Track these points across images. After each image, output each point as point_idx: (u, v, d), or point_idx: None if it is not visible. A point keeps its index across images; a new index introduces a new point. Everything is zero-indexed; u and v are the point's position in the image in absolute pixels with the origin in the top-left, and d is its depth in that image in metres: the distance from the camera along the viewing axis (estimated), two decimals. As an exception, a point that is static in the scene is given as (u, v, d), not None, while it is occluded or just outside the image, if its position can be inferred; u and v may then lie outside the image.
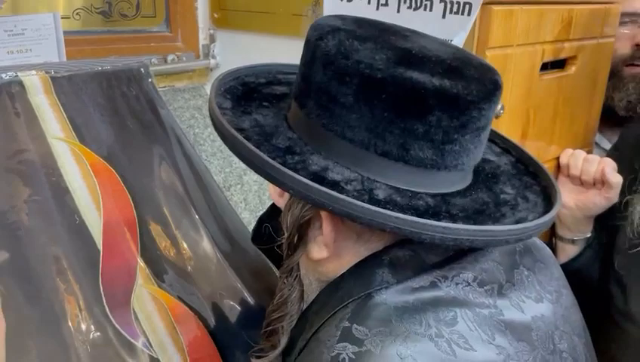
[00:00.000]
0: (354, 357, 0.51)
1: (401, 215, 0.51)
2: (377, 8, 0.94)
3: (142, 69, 1.18)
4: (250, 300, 1.02)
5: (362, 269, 0.59)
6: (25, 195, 0.93)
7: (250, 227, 1.14)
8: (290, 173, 0.53)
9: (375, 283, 0.56)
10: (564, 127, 1.08)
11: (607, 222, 1.01)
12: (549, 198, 0.63)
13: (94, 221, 0.97)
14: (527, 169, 0.70)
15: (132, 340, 0.88)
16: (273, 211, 0.89)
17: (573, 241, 1.03)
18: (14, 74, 1.01)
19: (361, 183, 0.57)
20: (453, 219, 0.55)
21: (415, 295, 0.55)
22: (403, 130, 0.55)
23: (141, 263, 0.96)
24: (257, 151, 0.55)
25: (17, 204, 0.92)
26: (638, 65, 1.21)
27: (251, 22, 1.24)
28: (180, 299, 0.96)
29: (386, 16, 0.91)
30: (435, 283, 0.56)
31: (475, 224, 0.55)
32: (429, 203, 0.57)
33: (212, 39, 1.33)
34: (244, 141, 0.56)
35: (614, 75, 1.20)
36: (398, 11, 0.91)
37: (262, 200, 1.20)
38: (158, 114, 1.16)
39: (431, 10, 0.87)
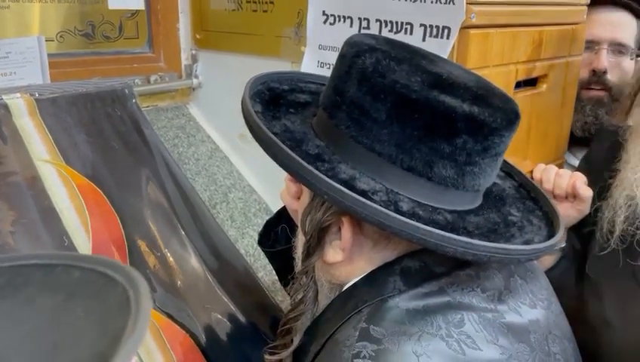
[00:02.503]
0: (374, 354, 0.55)
1: (428, 227, 0.54)
2: (359, 31, 0.98)
3: (126, 90, 1.19)
4: (239, 315, 1.03)
5: (375, 278, 0.62)
6: (12, 218, 0.93)
7: (238, 244, 1.16)
8: (327, 179, 0.56)
9: (388, 291, 0.60)
10: (538, 141, 1.13)
11: (581, 230, 1.06)
12: (551, 223, 0.68)
13: (83, 242, 0.97)
14: (528, 194, 0.74)
15: (125, 360, 0.88)
16: (279, 216, 0.91)
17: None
18: (-1, 97, 1.01)
19: (386, 194, 0.60)
20: (470, 235, 0.59)
21: (425, 300, 0.59)
22: (430, 149, 0.58)
23: (131, 283, 0.97)
24: (295, 155, 0.57)
25: (4, 227, 0.92)
26: (594, 89, 1.29)
27: (233, 43, 1.26)
28: (170, 317, 0.97)
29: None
30: (443, 288, 0.60)
31: (490, 242, 0.58)
32: (448, 218, 0.60)
33: (194, 59, 1.35)
34: (282, 145, 0.59)
35: None
36: (380, 34, 0.95)
37: (247, 218, 1.22)
38: (142, 134, 1.18)
39: (411, 33, 0.91)
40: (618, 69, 1.28)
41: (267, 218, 1.24)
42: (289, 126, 0.67)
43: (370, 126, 0.60)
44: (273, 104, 0.71)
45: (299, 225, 0.69)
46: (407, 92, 0.57)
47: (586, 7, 1.17)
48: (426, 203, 0.60)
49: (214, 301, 1.03)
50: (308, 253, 0.65)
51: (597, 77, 1.28)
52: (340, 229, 0.63)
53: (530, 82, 1.08)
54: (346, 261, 0.64)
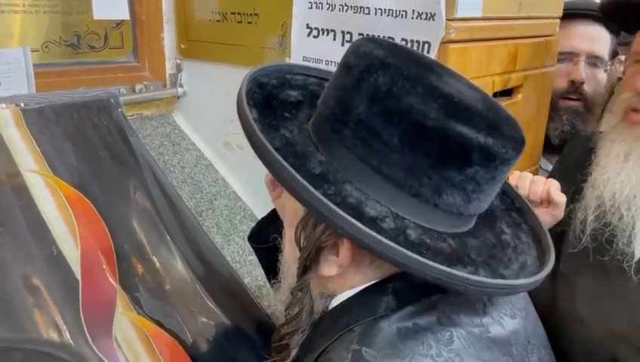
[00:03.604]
0: None
1: (447, 269, 0.55)
2: (342, 44, 1.01)
3: (111, 99, 1.20)
4: (226, 320, 1.06)
5: (368, 296, 0.63)
6: (-1, 228, 0.94)
7: (224, 251, 1.18)
8: (344, 213, 0.54)
9: (380, 309, 0.61)
10: (514, 149, 1.17)
11: (554, 231, 1.11)
12: (538, 239, 0.69)
13: (72, 251, 0.98)
14: (513, 203, 0.75)
15: (115, 367, 0.90)
16: (271, 217, 0.92)
17: None
18: (-15, 108, 1.02)
19: (394, 221, 0.59)
20: (474, 264, 0.60)
21: (416, 319, 0.60)
22: (441, 177, 0.58)
23: (120, 291, 0.99)
24: (307, 184, 0.55)
25: (-7, 237, 0.92)
26: (572, 99, 1.35)
27: (218, 53, 1.28)
28: (159, 324, 0.99)
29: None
30: (434, 305, 0.61)
31: (492, 271, 0.60)
32: (452, 245, 0.61)
33: (179, 68, 1.36)
34: (291, 170, 0.56)
35: (551, 106, 1.33)
36: (362, 47, 0.98)
37: (233, 224, 1.24)
38: (129, 143, 1.19)
39: (393, 47, 0.94)
40: (594, 80, 1.34)
41: (252, 225, 1.27)
42: (288, 138, 0.65)
43: (379, 148, 0.59)
44: (267, 107, 0.69)
45: (289, 234, 0.69)
46: (424, 119, 0.57)
47: (558, 20, 1.22)
48: (430, 228, 0.61)
49: (201, 306, 1.05)
50: (304, 270, 0.65)
51: (575, 87, 1.34)
52: (336, 244, 0.62)
53: (507, 92, 1.12)
54: (341, 275, 0.64)
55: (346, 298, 0.65)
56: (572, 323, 1.00)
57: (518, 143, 0.61)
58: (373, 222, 0.58)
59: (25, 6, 1.12)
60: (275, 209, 0.92)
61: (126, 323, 0.96)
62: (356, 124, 0.60)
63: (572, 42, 1.34)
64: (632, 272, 0.98)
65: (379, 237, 0.54)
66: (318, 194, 0.55)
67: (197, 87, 1.36)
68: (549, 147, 1.37)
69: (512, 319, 0.65)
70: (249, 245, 1.21)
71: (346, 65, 0.64)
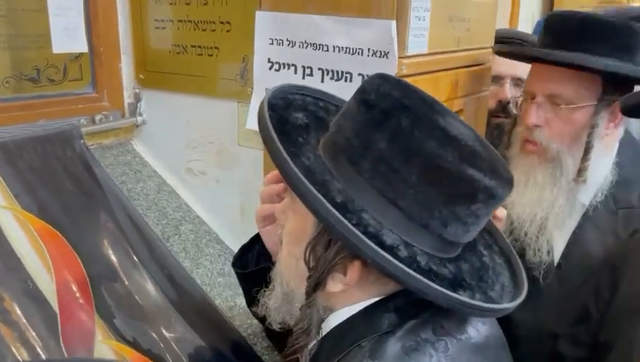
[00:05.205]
0: None
1: (455, 295, 0.63)
2: (303, 77, 1.09)
3: (73, 131, 1.23)
4: (202, 342, 1.10)
5: (371, 314, 0.70)
6: (-29, 266, 0.95)
7: (193, 274, 1.23)
8: (374, 245, 0.61)
9: (384, 327, 0.68)
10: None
11: None
12: (508, 260, 0.78)
13: (47, 284, 1.01)
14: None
15: (99, 395, 0.93)
16: (253, 242, 0.99)
17: None
18: (-51, 146, 1.02)
19: (405, 249, 0.66)
20: (471, 288, 0.69)
21: (417, 332, 0.68)
22: (450, 212, 0.66)
23: (98, 319, 1.01)
24: (347, 223, 0.61)
25: (-34, 275, 0.93)
26: (500, 117, 1.54)
27: (178, 83, 1.32)
28: (137, 348, 1.02)
29: (311, 85, 1.06)
30: (429, 319, 0.69)
31: (483, 295, 0.68)
32: (451, 270, 0.69)
33: (137, 98, 1.39)
34: (332, 208, 0.61)
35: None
36: (322, 81, 1.06)
37: (200, 248, 1.29)
38: (93, 173, 1.22)
39: (351, 81, 1.04)
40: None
41: (218, 247, 1.33)
42: (308, 165, 0.70)
43: (396, 183, 0.65)
44: (283, 132, 0.72)
45: (293, 249, 0.74)
46: (441, 162, 0.64)
47: (491, 49, 1.36)
48: (433, 254, 0.68)
49: (177, 328, 1.09)
50: (314, 287, 0.70)
51: (502, 106, 1.52)
52: (346, 264, 0.68)
53: (450, 117, 1.24)
54: (344, 291, 0.70)
55: (348, 314, 0.72)
56: (502, 323, 1.14)
57: (511, 184, 0.70)
58: (391, 251, 0.64)
59: (-15, 43, 1.14)
60: (255, 236, 0.98)
61: (106, 350, 0.99)
62: (376, 159, 0.66)
63: (498, 67, 1.52)
64: (541, 278, 1.21)
65: (402, 266, 0.61)
66: (350, 225, 0.61)
67: (156, 115, 1.40)
68: None
69: (483, 325, 0.74)
70: (217, 268, 1.27)
71: (365, 102, 0.69)
